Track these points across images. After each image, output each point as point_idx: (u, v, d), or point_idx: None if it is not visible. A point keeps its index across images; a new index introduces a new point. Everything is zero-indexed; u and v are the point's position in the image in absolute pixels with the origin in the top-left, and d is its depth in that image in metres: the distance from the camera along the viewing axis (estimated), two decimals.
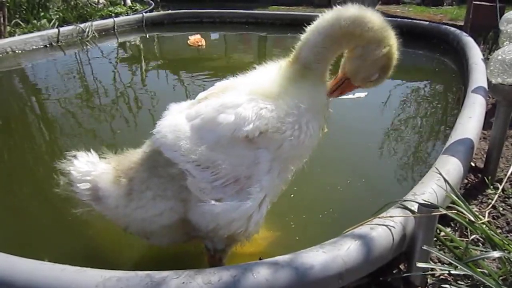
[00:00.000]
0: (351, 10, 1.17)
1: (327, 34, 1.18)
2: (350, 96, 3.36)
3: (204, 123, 1.17)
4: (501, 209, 1.70)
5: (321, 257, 1.10)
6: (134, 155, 1.30)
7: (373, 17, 1.16)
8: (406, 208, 1.31)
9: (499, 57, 1.72)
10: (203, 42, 5.24)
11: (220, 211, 1.14)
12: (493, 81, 1.74)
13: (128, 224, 1.28)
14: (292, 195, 1.81)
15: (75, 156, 1.31)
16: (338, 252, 1.12)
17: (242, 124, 1.12)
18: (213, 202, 1.15)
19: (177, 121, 1.21)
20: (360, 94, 3.38)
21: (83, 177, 1.26)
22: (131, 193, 1.22)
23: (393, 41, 1.20)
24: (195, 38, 5.25)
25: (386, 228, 1.22)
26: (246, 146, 1.15)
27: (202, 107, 1.20)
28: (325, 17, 1.20)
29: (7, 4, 5.33)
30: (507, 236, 1.53)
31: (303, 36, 1.23)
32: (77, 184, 1.26)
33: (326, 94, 1.27)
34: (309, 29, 1.22)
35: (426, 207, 1.22)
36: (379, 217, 1.26)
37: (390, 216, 1.26)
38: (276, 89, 1.19)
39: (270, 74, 1.24)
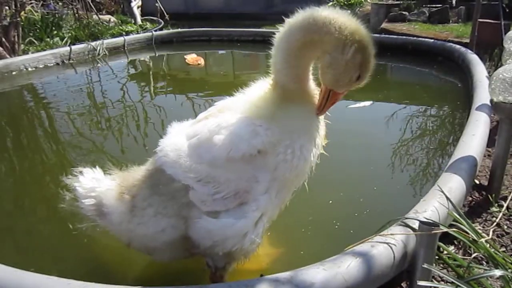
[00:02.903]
0: (300, 17, 1.07)
1: (286, 52, 1.10)
2: (356, 105, 3.46)
3: (200, 143, 1.19)
4: (505, 227, 1.69)
5: (321, 274, 1.11)
6: (138, 172, 1.33)
7: (329, 18, 1.04)
8: (407, 226, 1.32)
9: (500, 76, 1.74)
10: (202, 61, 5.32)
11: (214, 228, 1.17)
12: (495, 99, 1.75)
13: (131, 240, 1.31)
14: (329, 201, 1.83)
15: (81, 172, 1.34)
16: (338, 270, 1.13)
17: (238, 144, 1.13)
18: (208, 218, 1.17)
19: (177, 140, 1.24)
20: (365, 103, 3.46)
21: (88, 193, 1.30)
22: (133, 210, 1.25)
23: (359, 35, 1.06)
24: (192, 57, 5.33)
25: (387, 245, 1.23)
26: (245, 163, 1.16)
27: (200, 127, 1.23)
28: (279, 34, 1.12)
29: (22, 23, 5.50)
30: (511, 255, 1.52)
31: (271, 60, 1.16)
32: (82, 200, 1.30)
33: (316, 113, 1.21)
34: (272, 51, 1.15)
35: (427, 225, 1.22)
36: (380, 235, 1.27)
37: (391, 234, 1.27)
38: (267, 113, 1.16)
39: (261, 95, 1.21)
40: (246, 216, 1.16)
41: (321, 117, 1.25)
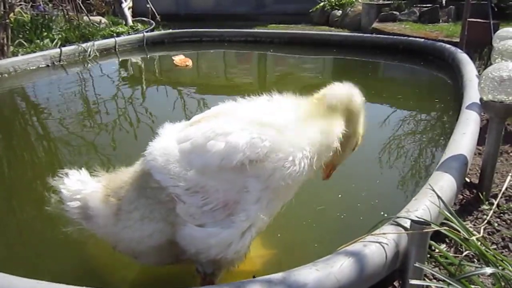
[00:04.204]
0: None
1: None
2: None
3: (193, 148, 1.16)
4: (496, 224, 1.71)
5: (314, 274, 1.10)
6: (125, 174, 1.31)
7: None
8: (399, 225, 1.32)
9: (490, 75, 1.75)
10: (190, 62, 5.30)
11: (199, 236, 1.15)
12: (484, 98, 1.77)
13: (116, 243, 1.28)
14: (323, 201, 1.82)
15: (66, 174, 1.31)
16: (331, 270, 1.13)
17: (231, 153, 1.11)
18: (193, 226, 1.16)
19: (167, 144, 1.21)
20: None
21: (74, 195, 1.26)
22: (119, 213, 1.22)
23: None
24: (180, 59, 5.31)
25: (379, 245, 1.23)
26: (236, 172, 1.14)
27: (193, 131, 1.20)
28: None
29: (11, 25, 5.44)
30: (502, 252, 1.54)
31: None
32: (67, 203, 1.26)
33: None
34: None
35: (419, 224, 1.23)
36: (372, 234, 1.28)
37: (383, 233, 1.27)
38: (287, 122, 1.20)
39: (283, 106, 1.26)
40: (233, 226, 1.15)
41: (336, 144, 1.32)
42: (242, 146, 1.11)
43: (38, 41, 5.90)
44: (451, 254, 1.45)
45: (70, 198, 1.27)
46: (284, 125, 1.19)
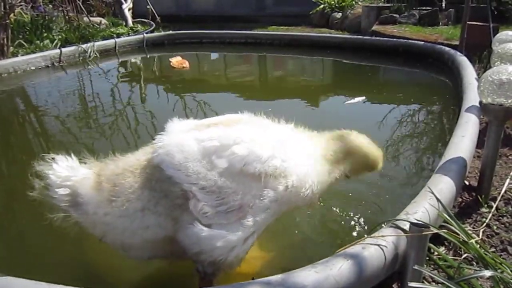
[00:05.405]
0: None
1: None
2: (351, 101, 3.65)
3: (218, 149, 1.17)
4: (495, 227, 1.71)
5: (313, 277, 1.11)
6: (124, 161, 1.27)
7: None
8: (398, 227, 1.32)
9: (489, 78, 1.75)
10: (187, 63, 5.30)
11: (205, 236, 1.16)
12: (484, 101, 1.77)
13: (105, 232, 1.23)
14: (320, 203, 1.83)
15: (54, 159, 1.26)
16: (330, 272, 1.13)
17: (253, 161, 1.17)
18: (201, 226, 1.16)
19: (184, 141, 1.20)
20: (359, 98, 3.73)
21: (63, 182, 1.22)
22: (114, 200, 1.18)
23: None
24: (177, 60, 5.31)
25: (378, 247, 1.23)
26: (255, 180, 1.18)
27: (217, 132, 1.22)
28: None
29: (11, 25, 5.45)
30: (501, 255, 1.54)
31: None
32: (55, 189, 1.22)
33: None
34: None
35: (418, 226, 1.23)
36: (371, 237, 1.28)
37: (382, 236, 1.27)
38: (305, 152, 1.32)
39: (305, 138, 1.38)
40: (240, 230, 1.17)
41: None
42: (264, 158, 1.18)
43: (38, 41, 5.91)
44: (450, 257, 1.45)
45: (59, 185, 1.22)
46: (303, 154, 1.30)
